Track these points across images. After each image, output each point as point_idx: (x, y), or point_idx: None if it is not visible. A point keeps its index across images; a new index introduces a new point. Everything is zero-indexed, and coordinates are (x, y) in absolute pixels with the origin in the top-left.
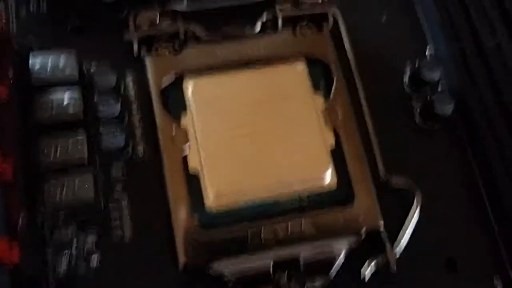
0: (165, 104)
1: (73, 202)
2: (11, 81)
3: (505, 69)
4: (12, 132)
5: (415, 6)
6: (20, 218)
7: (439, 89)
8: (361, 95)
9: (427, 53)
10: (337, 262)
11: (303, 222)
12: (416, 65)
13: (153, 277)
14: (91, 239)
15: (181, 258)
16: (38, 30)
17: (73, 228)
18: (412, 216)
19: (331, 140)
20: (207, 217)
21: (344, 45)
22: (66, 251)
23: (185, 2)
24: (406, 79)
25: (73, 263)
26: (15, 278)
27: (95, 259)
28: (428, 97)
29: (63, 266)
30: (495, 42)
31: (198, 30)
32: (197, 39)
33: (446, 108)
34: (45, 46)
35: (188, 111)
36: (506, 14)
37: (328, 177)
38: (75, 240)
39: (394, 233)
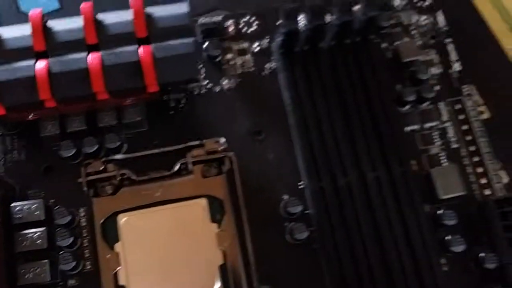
0: (105, 234)
1: None
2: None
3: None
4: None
5: (295, 148)
6: None
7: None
8: (245, 224)
9: (300, 187)
10: None
11: None
12: (287, 200)
13: None
14: None
15: None
16: (20, 172)
17: None
18: None
19: (220, 259)
20: None
21: (235, 184)
22: None
23: (121, 153)
24: (282, 206)
25: None
26: None
27: None
28: (291, 225)
29: None
30: (345, 181)
31: (130, 173)
32: (130, 181)
33: (302, 234)
34: (24, 186)
35: (120, 239)
36: (356, 158)
37: (216, 286)
38: None
39: None
